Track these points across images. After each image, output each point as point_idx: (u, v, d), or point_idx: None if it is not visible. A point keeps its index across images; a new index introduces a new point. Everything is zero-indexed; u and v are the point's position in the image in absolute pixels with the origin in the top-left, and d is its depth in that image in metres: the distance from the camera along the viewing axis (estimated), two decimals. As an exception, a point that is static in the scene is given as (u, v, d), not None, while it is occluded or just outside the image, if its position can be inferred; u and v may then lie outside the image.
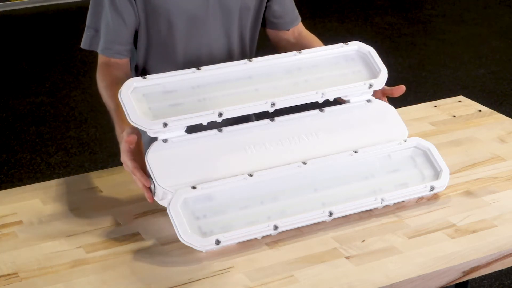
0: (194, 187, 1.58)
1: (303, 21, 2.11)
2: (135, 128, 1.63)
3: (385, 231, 1.61)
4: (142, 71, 1.97)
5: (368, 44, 1.86)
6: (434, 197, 1.74)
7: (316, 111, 1.78)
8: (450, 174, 1.76)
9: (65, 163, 3.89)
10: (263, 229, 1.57)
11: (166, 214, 1.56)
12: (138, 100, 1.64)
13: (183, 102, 1.68)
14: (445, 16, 6.08)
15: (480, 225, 1.63)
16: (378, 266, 1.50)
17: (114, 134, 1.75)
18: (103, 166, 3.80)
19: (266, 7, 2.00)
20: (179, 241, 1.53)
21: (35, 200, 1.74)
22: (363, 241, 1.58)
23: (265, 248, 1.56)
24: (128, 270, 1.50)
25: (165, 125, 1.62)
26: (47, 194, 1.76)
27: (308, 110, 1.78)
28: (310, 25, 2.19)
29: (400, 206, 1.70)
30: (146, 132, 1.64)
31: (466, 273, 1.53)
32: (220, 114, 1.67)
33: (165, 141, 1.64)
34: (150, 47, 1.93)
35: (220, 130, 1.70)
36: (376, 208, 1.68)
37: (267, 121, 1.74)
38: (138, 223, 1.65)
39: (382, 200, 1.66)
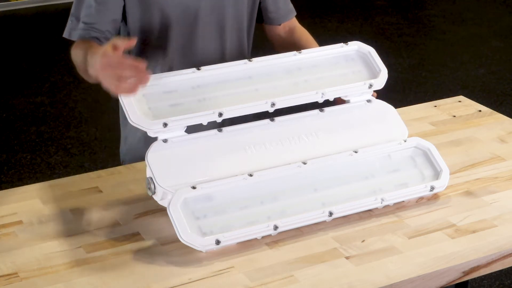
0: (194, 187, 1.58)
1: (303, 21, 2.12)
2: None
3: (385, 231, 1.61)
4: None
5: (368, 44, 1.86)
6: (434, 197, 1.74)
7: (316, 111, 1.78)
8: (450, 174, 1.76)
9: (65, 163, 3.89)
10: (263, 229, 1.57)
11: (166, 214, 1.56)
12: (138, 100, 1.64)
13: (183, 102, 1.68)
14: (445, 16, 6.08)
15: (480, 225, 1.63)
16: (378, 266, 1.50)
17: (114, 134, 1.74)
18: (103, 166, 3.80)
19: (260, 1, 2.01)
20: (179, 241, 1.53)
21: (35, 200, 1.74)
22: (363, 241, 1.58)
23: (265, 248, 1.56)
24: (128, 270, 1.50)
25: (165, 125, 1.62)
26: (47, 194, 1.76)
27: (308, 110, 1.78)
28: (310, 25, 2.20)
29: (400, 206, 1.70)
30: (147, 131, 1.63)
31: (466, 273, 1.53)
32: (220, 114, 1.67)
33: (165, 141, 1.64)
34: (144, 43, 1.93)
35: (220, 130, 1.70)
36: (376, 208, 1.68)
37: (267, 121, 1.74)
38: (138, 223, 1.65)
39: (382, 200, 1.66)
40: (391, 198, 1.68)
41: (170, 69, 1.94)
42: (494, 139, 2.01)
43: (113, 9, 1.87)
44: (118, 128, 2.11)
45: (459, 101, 2.24)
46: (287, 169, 1.66)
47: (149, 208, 1.69)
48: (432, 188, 1.71)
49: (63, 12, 6.10)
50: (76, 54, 1.82)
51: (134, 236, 1.61)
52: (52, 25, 5.87)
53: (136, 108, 1.62)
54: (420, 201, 1.72)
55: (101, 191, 1.78)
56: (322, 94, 1.76)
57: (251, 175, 1.63)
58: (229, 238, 1.54)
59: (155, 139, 1.65)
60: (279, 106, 1.73)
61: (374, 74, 1.83)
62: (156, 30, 1.91)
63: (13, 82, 4.87)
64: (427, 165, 1.75)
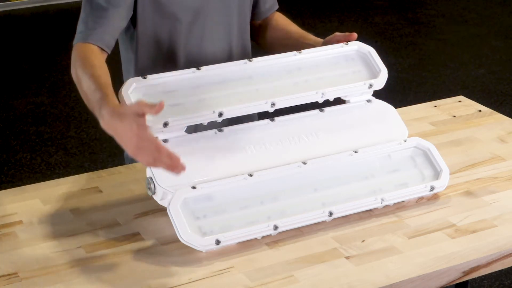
0: (194, 187, 1.58)
1: (303, 21, 2.12)
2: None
3: (385, 231, 1.61)
4: (142, 72, 1.96)
5: (368, 44, 1.86)
6: (434, 197, 1.74)
7: (316, 111, 1.78)
8: (450, 174, 1.76)
9: (65, 163, 3.89)
10: (263, 229, 1.57)
11: (166, 214, 1.56)
12: (138, 100, 1.64)
13: (183, 102, 1.68)
14: (445, 16, 6.08)
15: (480, 225, 1.63)
16: (378, 266, 1.50)
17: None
18: (103, 166, 3.80)
19: None
20: (179, 241, 1.53)
21: (35, 200, 1.74)
22: (363, 241, 1.58)
23: (265, 248, 1.56)
24: (128, 270, 1.50)
25: (165, 125, 1.62)
26: (47, 194, 1.76)
27: (308, 110, 1.78)
28: (310, 25, 2.20)
29: (400, 206, 1.70)
30: None
31: (466, 273, 1.53)
32: (220, 114, 1.67)
33: (165, 141, 1.64)
34: (155, 49, 1.92)
35: (220, 130, 1.70)
36: (376, 208, 1.68)
37: (267, 121, 1.74)
38: (138, 223, 1.65)
39: (382, 200, 1.66)
40: (391, 198, 1.68)
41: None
42: (494, 139, 2.01)
43: (123, 13, 1.81)
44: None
45: (459, 101, 2.24)
46: (287, 169, 1.66)
47: (149, 208, 1.69)
48: (432, 188, 1.71)
49: (63, 12, 6.10)
50: (81, 77, 1.66)
51: (134, 236, 1.61)
52: (52, 25, 5.87)
53: (136, 108, 1.62)
54: (420, 201, 1.72)
55: (101, 191, 1.78)
56: (322, 94, 1.76)
57: (251, 175, 1.63)
58: (229, 238, 1.54)
59: (155, 139, 1.64)
60: (279, 106, 1.73)
61: (374, 74, 1.83)
62: (167, 35, 1.90)
63: (13, 82, 4.87)
64: (427, 165, 1.75)
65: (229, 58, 1.95)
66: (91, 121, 4.32)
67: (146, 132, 1.43)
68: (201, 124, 1.68)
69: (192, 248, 1.52)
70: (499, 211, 1.68)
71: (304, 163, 1.67)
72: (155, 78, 1.68)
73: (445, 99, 2.26)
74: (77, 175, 1.86)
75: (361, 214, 1.67)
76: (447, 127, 2.08)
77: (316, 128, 1.75)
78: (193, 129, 1.71)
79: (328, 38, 1.89)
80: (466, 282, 2.22)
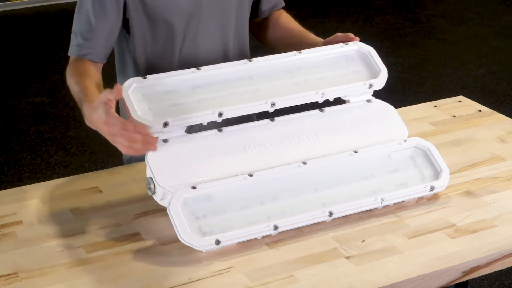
0: (194, 187, 1.58)
1: (303, 21, 2.12)
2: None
3: (385, 231, 1.61)
4: (138, 73, 1.96)
5: (368, 44, 1.86)
6: (434, 197, 1.74)
7: (316, 111, 1.78)
8: (450, 174, 1.76)
9: (65, 163, 3.89)
10: (263, 229, 1.57)
11: (166, 214, 1.56)
12: (138, 100, 1.64)
13: (183, 102, 1.68)
14: (445, 16, 6.08)
15: (480, 225, 1.63)
16: (378, 266, 1.50)
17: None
18: (103, 166, 3.80)
19: None
20: (179, 241, 1.53)
21: (35, 200, 1.74)
22: (363, 241, 1.58)
23: (265, 248, 1.56)
24: (128, 270, 1.50)
25: (165, 125, 1.62)
26: (47, 194, 1.76)
27: (308, 110, 1.78)
28: (310, 25, 2.20)
29: (400, 206, 1.70)
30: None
31: (466, 273, 1.53)
32: (220, 114, 1.67)
33: (165, 141, 1.64)
34: (150, 54, 1.92)
35: (220, 130, 1.70)
36: (376, 208, 1.68)
37: (267, 121, 1.74)
38: (138, 223, 1.65)
39: (382, 200, 1.66)
40: (391, 198, 1.68)
41: None
42: (494, 139, 2.01)
43: (111, 21, 1.85)
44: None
45: (459, 101, 2.24)
46: (287, 169, 1.66)
47: (149, 208, 1.69)
48: (432, 188, 1.71)
49: (63, 12, 6.10)
50: (71, 85, 1.85)
51: (134, 236, 1.61)
52: (52, 25, 5.87)
53: (136, 108, 1.62)
54: (420, 201, 1.72)
55: (101, 191, 1.78)
56: (322, 94, 1.76)
57: (251, 175, 1.63)
58: (229, 238, 1.54)
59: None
60: (279, 106, 1.73)
61: (374, 74, 1.83)
62: (161, 39, 1.90)
63: (13, 82, 4.87)
64: (427, 165, 1.75)
65: (225, 59, 1.95)
66: (91, 121, 4.32)
67: (112, 117, 1.53)
68: (201, 124, 1.68)
69: (192, 248, 1.52)
70: (499, 211, 1.68)
71: (304, 163, 1.67)
72: (155, 78, 1.68)
73: (445, 99, 2.26)
74: (77, 175, 1.86)
75: (361, 214, 1.67)
76: (447, 127, 2.08)
77: (316, 128, 1.75)
78: (193, 129, 1.71)
79: (329, 38, 1.89)
80: (466, 282, 2.22)
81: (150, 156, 1.61)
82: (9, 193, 1.78)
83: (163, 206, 1.60)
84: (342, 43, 1.85)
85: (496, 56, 5.24)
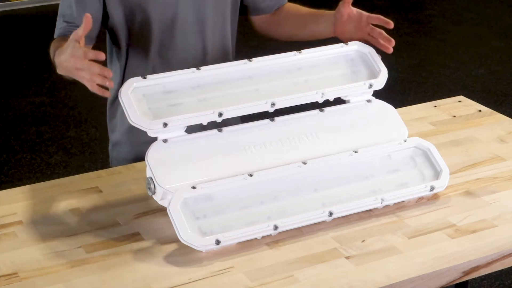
0: (194, 187, 1.58)
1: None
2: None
3: (385, 231, 1.61)
4: (123, 70, 1.99)
5: (368, 44, 1.86)
6: (434, 197, 1.74)
7: (316, 111, 1.78)
8: (450, 174, 1.76)
9: (65, 163, 3.89)
10: (263, 229, 1.57)
11: (166, 214, 1.56)
12: (138, 100, 1.64)
13: (183, 102, 1.68)
14: (445, 16, 6.08)
15: (480, 225, 1.63)
16: (378, 266, 1.50)
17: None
18: (103, 166, 3.79)
19: None
20: (179, 241, 1.53)
21: (35, 200, 1.74)
22: (363, 241, 1.58)
23: (265, 248, 1.56)
24: (128, 270, 1.50)
25: (165, 125, 1.62)
26: (47, 194, 1.76)
27: (308, 110, 1.78)
28: (310, 25, 2.19)
29: (400, 206, 1.70)
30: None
31: (466, 273, 1.53)
32: (220, 114, 1.67)
33: (165, 141, 1.64)
34: (127, 45, 1.96)
35: (220, 130, 1.70)
36: (376, 208, 1.68)
37: (267, 121, 1.74)
38: (138, 223, 1.65)
39: (382, 200, 1.66)
40: (391, 198, 1.68)
41: (152, 68, 1.95)
42: (494, 139, 2.01)
43: (91, 8, 1.89)
44: (118, 128, 2.11)
45: (459, 101, 2.24)
46: (287, 169, 1.66)
47: (149, 208, 1.69)
48: (432, 188, 1.71)
49: (63, 12, 6.10)
50: (51, 53, 1.87)
51: (134, 236, 1.61)
52: (52, 25, 5.84)
53: (136, 108, 1.62)
54: (420, 201, 1.72)
55: (101, 191, 1.78)
56: (322, 94, 1.76)
57: (251, 175, 1.63)
58: (229, 238, 1.54)
59: (155, 139, 1.65)
60: (279, 106, 1.72)
61: (374, 74, 1.83)
62: (138, 30, 1.93)
63: (13, 82, 4.87)
64: (427, 165, 1.75)
65: (204, 54, 1.97)
66: (91, 121, 4.32)
67: (77, 48, 1.61)
68: (201, 124, 1.68)
69: (192, 248, 1.52)
70: (499, 211, 1.68)
71: (304, 163, 1.67)
72: (155, 78, 1.68)
73: (445, 99, 2.26)
74: (77, 175, 1.86)
75: (361, 214, 1.67)
76: (447, 127, 2.08)
77: (316, 128, 1.75)
78: (193, 129, 1.71)
79: (363, 14, 1.92)
80: (466, 282, 2.22)
81: (150, 156, 1.61)
82: (9, 193, 1.78)
83: (163, 206, 1.60)
84: (342, 43, 1.85)
85: (496, 56, 5.24)
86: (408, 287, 1.47)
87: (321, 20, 1.94)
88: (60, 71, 1.74)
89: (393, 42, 1.82)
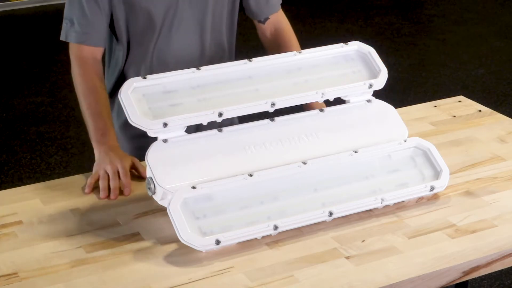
0: (194, 187, 1.58)
1: (303, 21, 2.11)
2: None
3: (385, 231, 1.61)
4: (122, 70, 1.99)
5: (368, 44, 1.86)
6: (434, 197, 1.74)
7: (316, 111, 1.78)
8: (450, 174, 1.76)
9: (65, 163, 3.89)
10: (263, 229, 1.57)
11: (166, 214, 1.56)
12: (138, 100, 1.64)
13: (183, 102, 1.68)
14: (445, 16, 6.08)
15: (480, 225, 1.63)
16: (378, 266, 1.50)
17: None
18: (103, 166, 3.80)
19: None
20: (179, 241, 1.53)
21: (35, 200, 1.74)
22: (363, 241, 1.58)
23: (265, 248, 1.56)
24: (128, 270, 1.50)
25: (165, 125, 1.62)
26: (47, 194, 1.76)
27: (308, 110, 1.78)
28: (310, 25, 2.20)
29: (400, 206, 1.70)
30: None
31: (466, 273, 1.53)
32: (220, 114, 1.67)
33: (165, 141, 1.64)
34: (129, 45, 1.96)
35: (220, 130, 1.70)
36: (376, 208, 1.68)
37: (267, 121, 1.74)
38: (138, 223, 1.65)
39: (382, 200, 1.66)
40: (391, 198, 1.68)
41: (150, 67, 1.96)
42: (494, 139, 2.01)
43: (104, 9, 1.90)
44: (118, 128, 2.11)
45: (459, 101, 2.24)
46: (287, 169, 1.66)
47: (149, 208, 1.69)
48: (432, 188, 1.71)
49: (63, 12, 6.10)
50: (80, 97, 1.94)
51: (134, 236, 1.61)
52: (52, 25, 5.86)
53: (136, 108, 1.62)
54: (420, 201, 1.72)
55: (101, 191, 1.78)
56: (322, 94, 1.76)
57: (251, 175, 1.63)
58: (229, 238, 1.54)
59: (155, 139, 1.65)
60: (279, 106, 1.73)
61: (374, 74, 1.83)
62: (140, 30, 1.93)
63: (13, 82, 4.87)
64: (427, 165, 1.75)
65: (202, 54, 1.98)
66: (91, 121, 4.32)
67: (126, 173, 1.77)
68: (201, 124, 1.68)
69: (192, 248, 1.52)
70: (499, 211, 1.68)
71: (304, 163, 1.67)
72: (155, 78, 1.68)
73: (445, 99, 2.26)
74: (77, 175, 1.86)
75: (361, 214, 1.67)
76: (447, 127, 2.08)
77: (316, 128, 1.75)
78: (193, 129, 1.71)
79: None
80: (466, 282, 2.22)
81: (150, 156, 1.61)
82: (9, 193, 1.78)
83: (163, 206, 1.60)
84: (342, 43, 1.85)
85: (496, 56, 5.24)
86: (408, 287, 1.47)
87: None
88: (92, 140, 1.96)
89: None
